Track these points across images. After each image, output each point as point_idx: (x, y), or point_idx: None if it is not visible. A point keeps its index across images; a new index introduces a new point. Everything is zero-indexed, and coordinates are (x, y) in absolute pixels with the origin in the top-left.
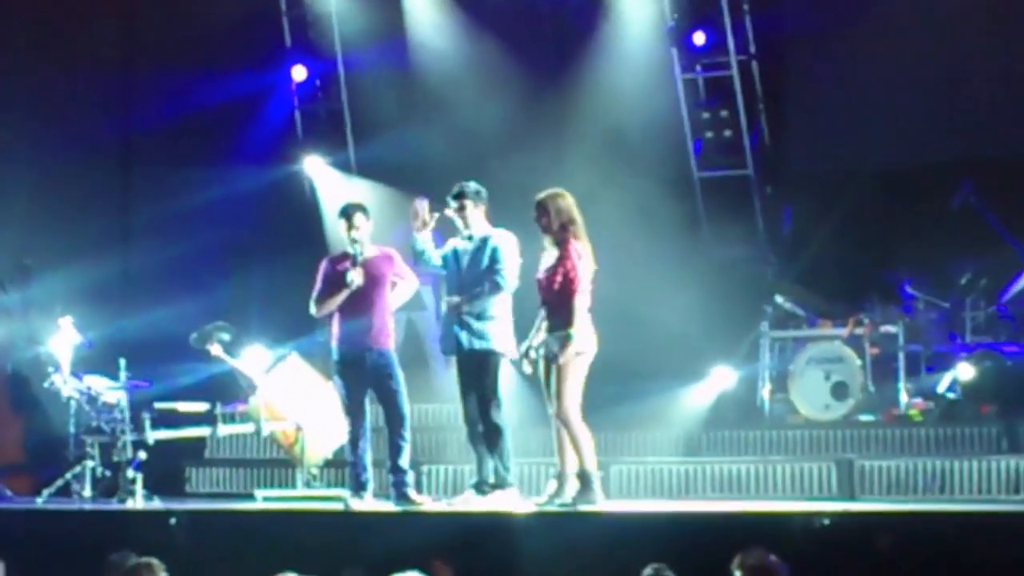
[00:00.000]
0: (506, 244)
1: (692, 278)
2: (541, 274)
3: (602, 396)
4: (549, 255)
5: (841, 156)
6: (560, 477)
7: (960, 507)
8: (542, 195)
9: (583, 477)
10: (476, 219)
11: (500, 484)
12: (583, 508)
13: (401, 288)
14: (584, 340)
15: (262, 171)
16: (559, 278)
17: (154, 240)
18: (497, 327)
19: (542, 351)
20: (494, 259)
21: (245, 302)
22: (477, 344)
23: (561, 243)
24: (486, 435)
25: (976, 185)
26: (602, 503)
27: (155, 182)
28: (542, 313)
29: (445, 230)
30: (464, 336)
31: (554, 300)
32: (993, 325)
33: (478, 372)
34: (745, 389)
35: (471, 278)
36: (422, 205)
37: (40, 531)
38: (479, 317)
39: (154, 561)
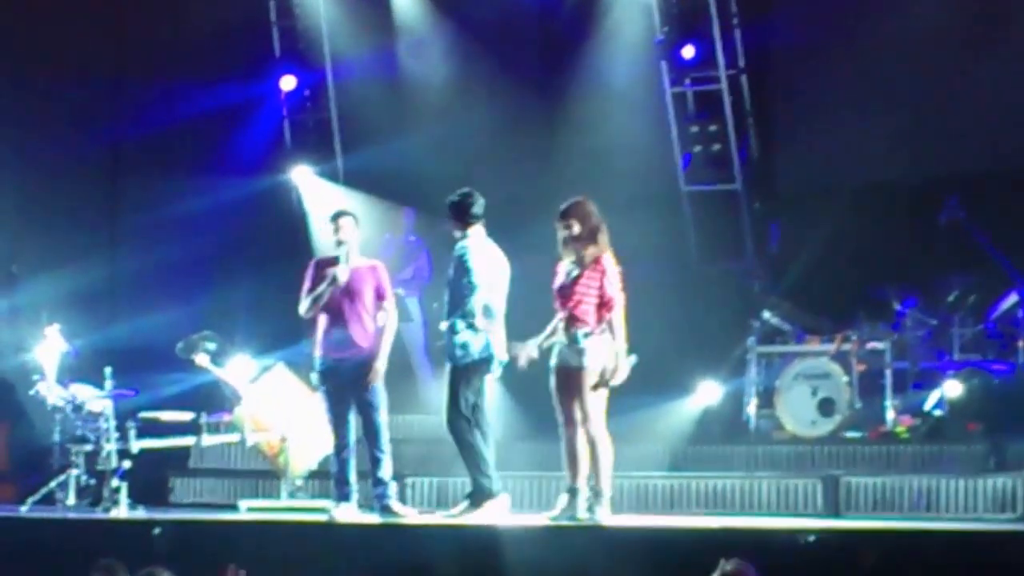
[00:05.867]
0: (472, 247)
1: (679, 292)
2: (562, 283)
3: None
4: (568, 264)
5: (830, 171)
6: (571, 491)
7: (946, 525)
8: (568, 204)
9: (597, 493)
10: (457, 230)
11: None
12: (587, 523)
13: (387, 333)
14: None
15: (250, 180)
16: (591, 292)
17: (141, 249)
18: (478, 338)
19: (555, 362)
20: (463, 262)
21: (231, 311)
22: (460, 357)
23: (593, 257)
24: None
25: (963, 201)
26: (607, 520)
27: (143, 191)
28: (558, 319)
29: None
30: (452, 350)
31: (578, 311)
32: (981, 343)
33: (449, 382)
34: (731, 404)
35: (450, 290)
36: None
37: (24, 540)
38: (459, 329)
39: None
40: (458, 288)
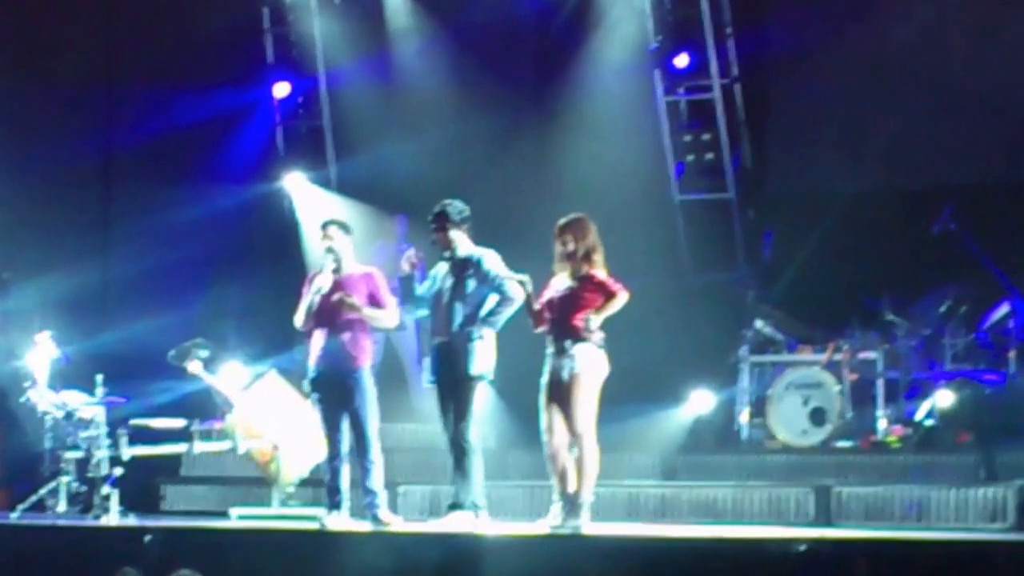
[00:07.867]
0: (494, 258)
1: (672, 301)
2: (552, 296)
3: None
4: (560, 279)
5: (823, 180)
6: (565, 498)
7: (937, 535)
8: (567, 219)
9: (576, 501)
10: (458, 240)
11: (460, 505)
12: (565, 531)
13: (378, 314)
14: (602, 361)
15: (243, 187)
16: (583, 303)
17: (133, 255)
18: (487, 348)
19: (546, 375)
20: (488, 275)
21: (223, 318)
22: (472, 368)
23: (585, 273)
24: (457, 456)
25: (957, 211)
26: (587, 528)
27: (135, 197)
28: (549, 337)
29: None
30: (469, 360)
31: (566, 321)
32: (973, 353)
33: (467, 394)
34: (723, 413)
35: (456, 303)
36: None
37: (14, 547)
38: (475, 338)
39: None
40: (479, 296)
